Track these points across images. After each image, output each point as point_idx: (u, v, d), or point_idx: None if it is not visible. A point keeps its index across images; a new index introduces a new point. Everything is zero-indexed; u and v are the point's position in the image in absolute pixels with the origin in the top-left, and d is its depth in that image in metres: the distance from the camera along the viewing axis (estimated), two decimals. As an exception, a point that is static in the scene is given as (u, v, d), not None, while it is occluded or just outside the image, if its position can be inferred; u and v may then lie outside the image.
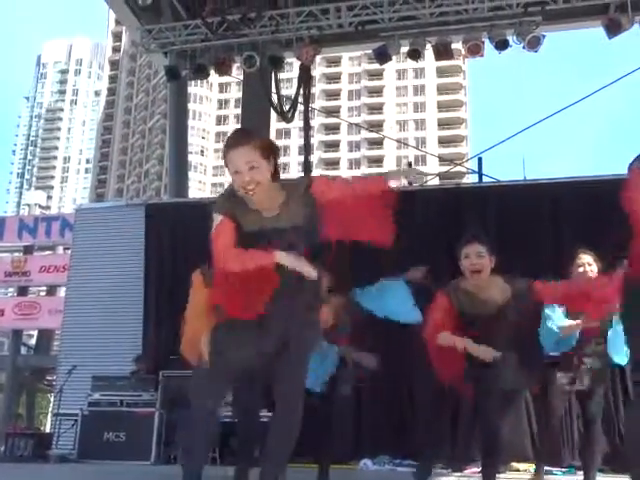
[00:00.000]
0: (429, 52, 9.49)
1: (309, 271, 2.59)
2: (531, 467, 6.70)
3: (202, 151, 66.64)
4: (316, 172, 58.31)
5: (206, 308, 3.11)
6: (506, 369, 3.59)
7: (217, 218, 2.67)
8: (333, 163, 65.29)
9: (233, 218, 2.67)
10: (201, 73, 9.97)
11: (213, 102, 69.18)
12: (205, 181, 65.84)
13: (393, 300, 4.22)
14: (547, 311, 4.37)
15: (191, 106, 53.29)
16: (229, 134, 2.82)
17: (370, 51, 9.77)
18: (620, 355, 4.21)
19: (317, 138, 62.30)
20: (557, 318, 4.40)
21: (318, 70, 61.61)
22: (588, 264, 4.41)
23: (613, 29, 8.59)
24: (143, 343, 8.08)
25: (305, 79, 10.38)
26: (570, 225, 7.12)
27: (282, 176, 2.85)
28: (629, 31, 8.58)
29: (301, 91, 10.40)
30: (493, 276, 3.64)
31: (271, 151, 2.70)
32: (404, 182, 7.59)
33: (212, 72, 10.05)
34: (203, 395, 2.75)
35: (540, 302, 3.62)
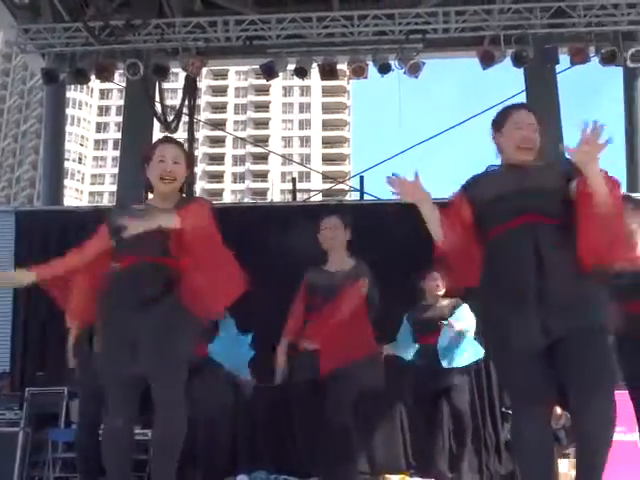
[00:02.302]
0: (315, 71, 9.67)
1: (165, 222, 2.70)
2: (404, 478, 6.88)
3: (80, 158, 64.15)
4: (199, 185, 57.57)
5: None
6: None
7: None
8: (217, 176, 64.77)
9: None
10: (81, 78, 9.60)
11: (93, 108, 66.84)
12: (82, 189, 63.36)
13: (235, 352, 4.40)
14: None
15: (69, 111, 51.26)
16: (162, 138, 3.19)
17: (257, 66, 9.81)
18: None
19: (201, 150, 61.63)
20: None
21: (204, 82, 61.05)
22: (437, 282, 4.99)
23: (487, 60, 9.10)
24: (11, 358, 7.63)
25: (190, 90, 10.27)
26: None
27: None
28: (502, 63, 9.15)
29: (186, 102, 10.28)
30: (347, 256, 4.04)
31: (191, 166, 3.18)
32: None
33: (93, 77, 9.72)
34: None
35: None
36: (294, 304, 3.99)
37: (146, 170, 2.95)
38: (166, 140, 3.14)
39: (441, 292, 4.99)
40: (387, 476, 6.88)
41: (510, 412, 6.97)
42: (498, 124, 2.76)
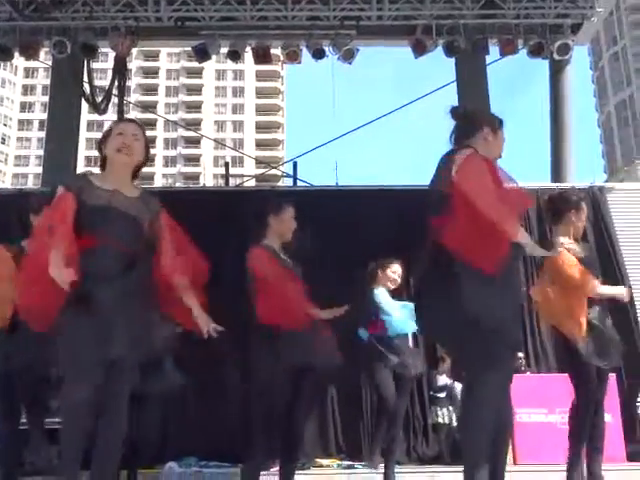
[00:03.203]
0: (249, 55, 9.57)
1: None
2: (334, 462, 6.97)
3: (3, 139, 61.76)
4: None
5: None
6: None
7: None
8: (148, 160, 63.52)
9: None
10: (4, 55, 9.25)
11: (17, 87, 64.34)
12: (6, 171, 61.06)
13: None
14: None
15: (-8, 89, 49.25)
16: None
17: (189, 48, 9.63)
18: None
19: (132, 133, 60.23)
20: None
21: (135, 63, 59.59)
22: (399, 275, 4.87)
23: (419, 49, 9.22)
24: None
25: (120, 71, 9.99)
26: (375, 230, 7.48)
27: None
28: (433, 52, 9.28)
29: (116, 83, 10.00)
30: None
31: (149, 152, 3.02)
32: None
33: (17, 55, 9.36)
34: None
35: None
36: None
37: (103, 149, 2.90)
38: (127, 119, 3.30)
39: (395, 285, 4.92)
40: (318, 460, 6.95)
41: (439, 395, 7.14)
42: (495, 125, 2.88)
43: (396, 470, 4.80)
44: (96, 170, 3.02)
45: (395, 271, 4.86)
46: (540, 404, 6.60)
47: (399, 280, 4.87)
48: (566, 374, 3.97)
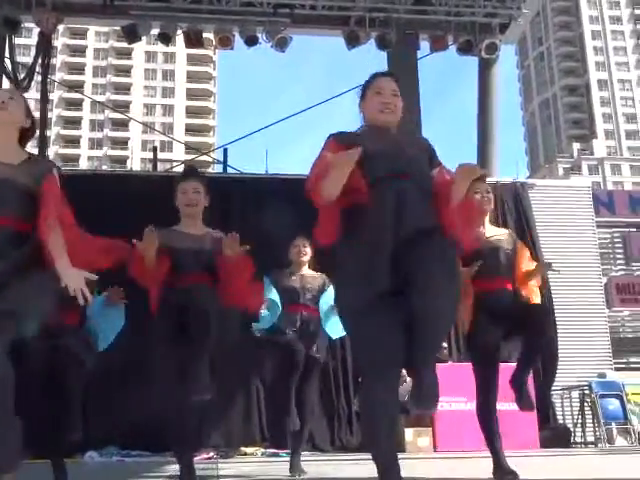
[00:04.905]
0: (180, 37, 9.39)
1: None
2: (258, 450, 6.99)
3: None
4: (53, 149, 54.52)
5: None
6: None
7: None
8: (73, 141, 61.63)
9: None
10: None
11: None
12: None
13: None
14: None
15: None
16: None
17: (119, 28, 9.37)
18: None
19: (56, 113, 58.30)
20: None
21: (61, 40, 57.57)
22: (303, 245, 4.87)
23: (352, 41, 9.27)
24: None
25: (45, 47, 9.63)
26: (304, 217, 7.51)
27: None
28: (366, 45, 9.34)
29: (39, 60, 9.64)
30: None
31: (31, 114, 2.76)
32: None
33: None
34: None
35: None
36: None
37: None
38: None
39: (305, 257, 4.91)
40: (242, 449, 6.96)
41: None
42: (362, 93, 2.91)
43: (320, 458, 4.83)
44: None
45: (297, 245, 4.90)
46: (460, 393, 6.79)
47: (302, 249, 4.88)
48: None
